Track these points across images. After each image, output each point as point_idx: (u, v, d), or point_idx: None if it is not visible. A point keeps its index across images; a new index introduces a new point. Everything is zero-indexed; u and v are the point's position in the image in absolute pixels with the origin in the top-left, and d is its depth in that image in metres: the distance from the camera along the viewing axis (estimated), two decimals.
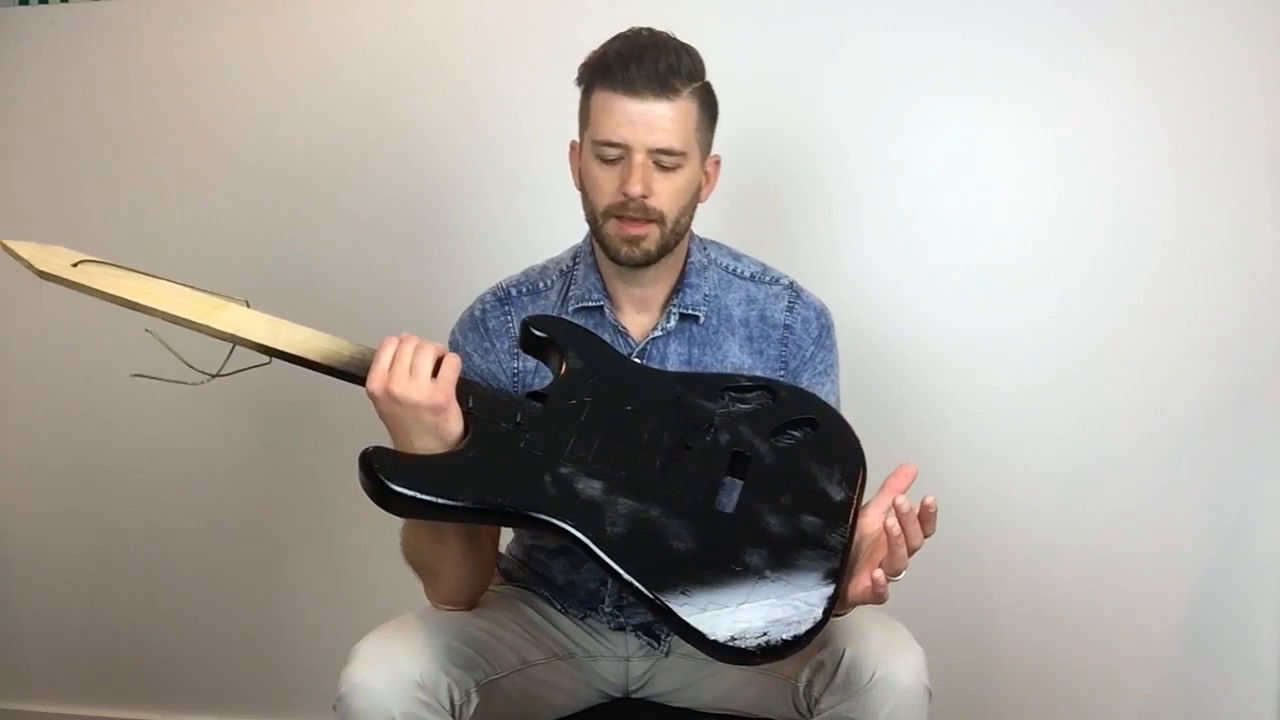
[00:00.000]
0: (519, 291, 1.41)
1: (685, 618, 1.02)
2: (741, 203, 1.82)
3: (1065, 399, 1.88)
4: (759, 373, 1.36)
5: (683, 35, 1.31)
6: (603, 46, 1.31)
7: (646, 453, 1.14)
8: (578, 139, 1.36)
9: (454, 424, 1.12)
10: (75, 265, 1.10)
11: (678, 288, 1.38)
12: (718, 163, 1.38)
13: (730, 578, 1.05)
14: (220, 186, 2.14)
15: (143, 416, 2.20)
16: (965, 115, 1.88)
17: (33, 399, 2.27)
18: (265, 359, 1.13)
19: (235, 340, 1.11)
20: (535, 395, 1.19)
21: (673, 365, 1.36)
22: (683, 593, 1.04)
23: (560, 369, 1.21)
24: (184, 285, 1.13)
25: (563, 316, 1.35)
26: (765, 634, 1.02)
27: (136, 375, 1.13)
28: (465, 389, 1.14)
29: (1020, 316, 1.89)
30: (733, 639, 1.01)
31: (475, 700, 1.22)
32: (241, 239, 2.13)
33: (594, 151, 1.29)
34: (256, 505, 2.20)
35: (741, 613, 1.03)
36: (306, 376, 1.97)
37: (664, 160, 1.27)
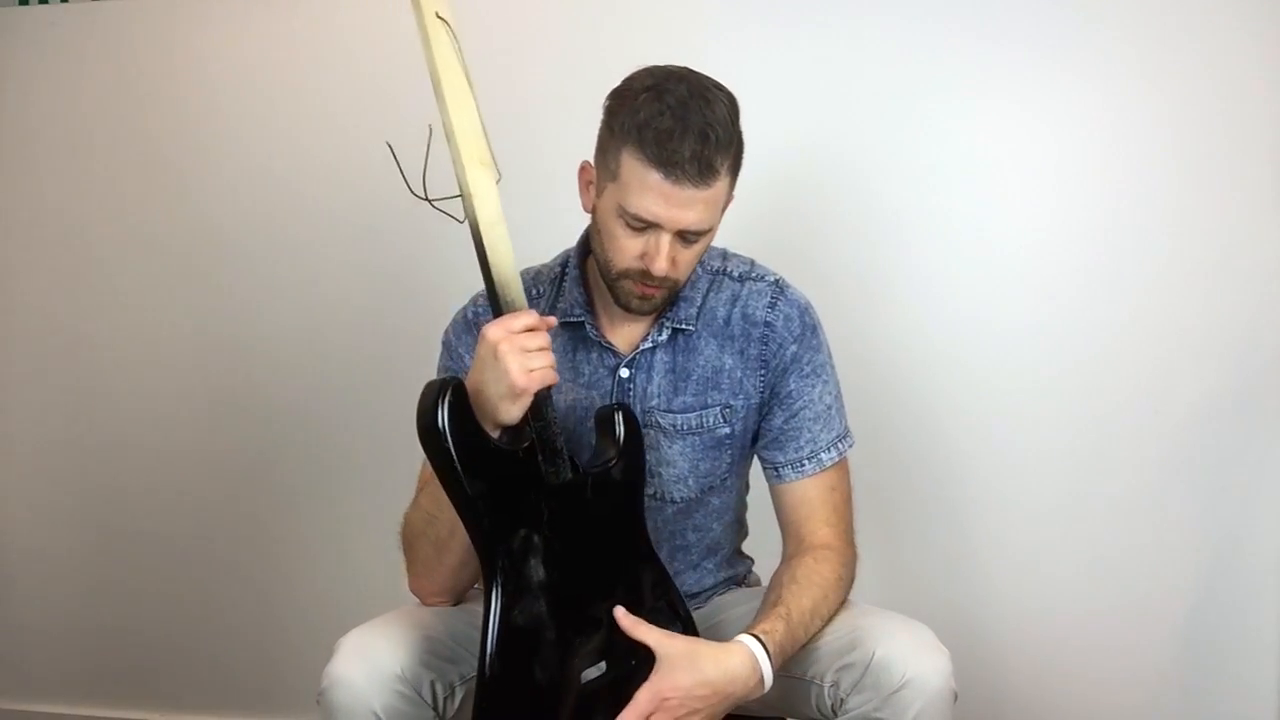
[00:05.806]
0: None
1: None
2: (738, 204, 1.81)
3: (1065, 399, 1.88)
4: (739, 375, 1.35)
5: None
6: (641, 99, 1.21)
7: (588, 602, 1.20)
8: (592, 163, 1.29)
9: (515, 412, 1.14)
10: (437, 15, 1.18)
11: (670, 300, 1.36)
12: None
13: None
14: (218, 186, 2.14)
15: (142, 417, 2.22)
16: (965, 115, 1.87)
17: (32, 399, 2.28)
18: (462, 218, 1.17)
19: (463, 198, 1.16)
20: (574, 464, 1.23)
21: (659, 373, 1.35)
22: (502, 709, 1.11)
23: (609, 459, 1.25)
24: (480, 119, 1.18)
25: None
26: None
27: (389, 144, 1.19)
28: (546, 403, 1.18)
29: (1020, 317, 1.88)
30: None
31: (460, 694, 1.22)
32: (239, 238, 2.14)
33: (620, 215, 1.24)
34: (256, 506, 2.21)
35: None
36: (307, 377, 2.02)
37: (690, 236, 1.24)
